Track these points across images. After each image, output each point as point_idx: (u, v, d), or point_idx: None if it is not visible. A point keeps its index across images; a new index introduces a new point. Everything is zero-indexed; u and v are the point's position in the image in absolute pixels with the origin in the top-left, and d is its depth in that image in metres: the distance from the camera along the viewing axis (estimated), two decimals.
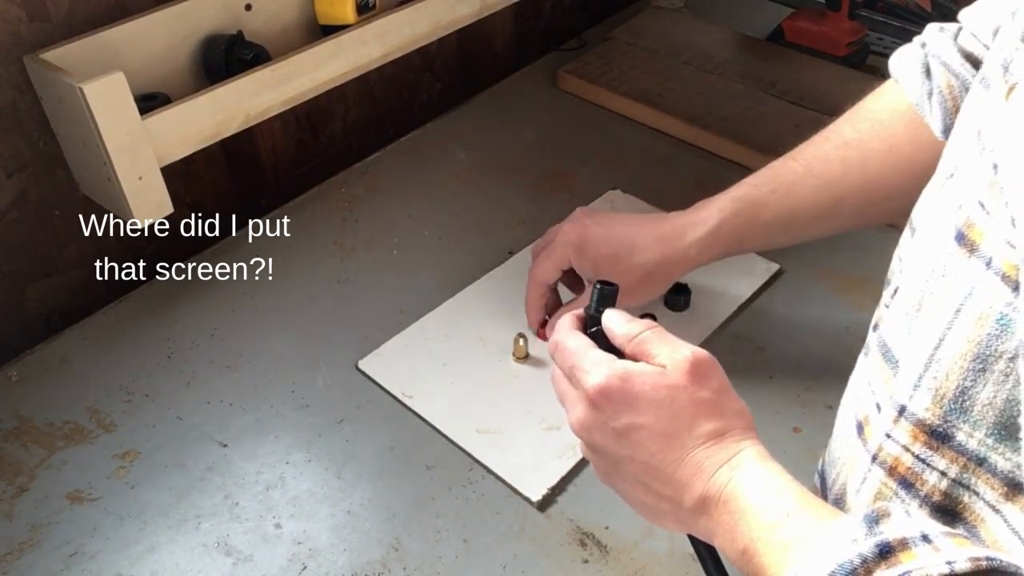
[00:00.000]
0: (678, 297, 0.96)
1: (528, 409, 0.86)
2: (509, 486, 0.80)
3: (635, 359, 0.53)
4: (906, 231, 0.49)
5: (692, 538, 0.53)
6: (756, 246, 0.84)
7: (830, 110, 1.28)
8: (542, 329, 0.90)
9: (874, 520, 0.39)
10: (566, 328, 0.56)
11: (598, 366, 0.51)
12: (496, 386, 0.89)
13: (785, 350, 0.93)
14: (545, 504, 0.79)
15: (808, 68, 1.35)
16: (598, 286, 0.57)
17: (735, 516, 0.47)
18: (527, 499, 0.79)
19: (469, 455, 0.83)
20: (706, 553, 0.53)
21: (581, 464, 0.82)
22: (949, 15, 1.41)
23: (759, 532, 0.45)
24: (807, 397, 0.88)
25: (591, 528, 0.77)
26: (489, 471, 0.81)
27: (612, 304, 0.57)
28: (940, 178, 0.46)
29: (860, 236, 1.07)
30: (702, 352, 0.53)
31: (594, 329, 0.56)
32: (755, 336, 0.95)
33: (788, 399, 0.88)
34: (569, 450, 0.82)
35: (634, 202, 1.13)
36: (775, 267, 1.02)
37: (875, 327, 0.50)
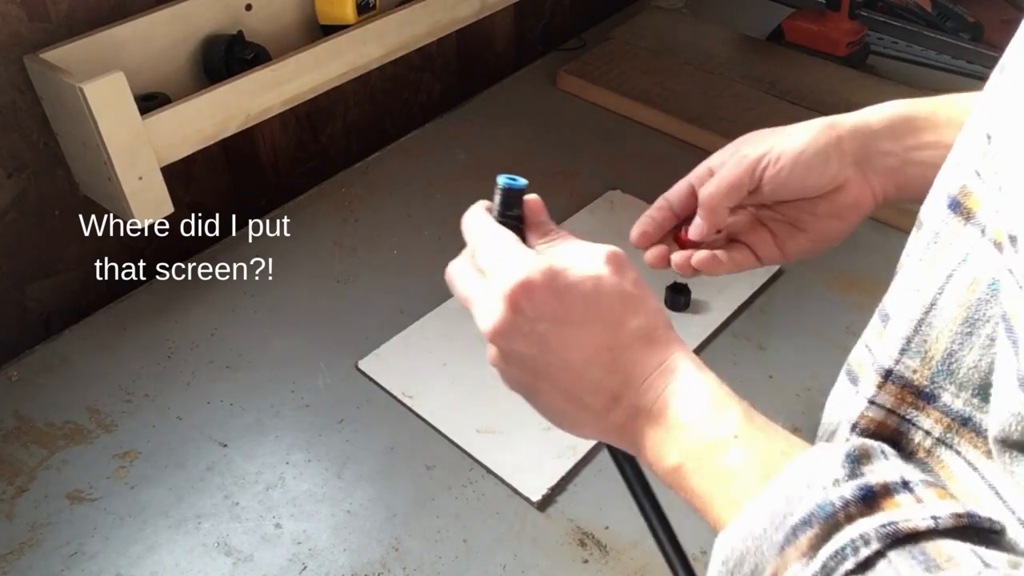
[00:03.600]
0: (678, 297, 0.96)
1: (528, 409, 0.86)
2: (509, 486, 0.80)
3: None
4: (914, 229, 0.50)
5: (611, 449, 0.50)
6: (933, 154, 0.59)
7: (830, 110, 1.29)
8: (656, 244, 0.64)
9: (855, 460, 0.37)
10: (485, 218, 0.51)
11: (523, 257, 0.46)
12: (496, 386, 0.88)
13: (785, 350, 0.93)
14: (545, 504, 0.79)
15: (808, 68, 1.35)
16: (503, 183, 0.51)
17: (670, 430, 0.43)
18: (527, 499, 0.79)
19: (469, 455, 0.83)
20: (627, 464, 0.49)
21: (581, 464, 0.82)
22: (949, 15, 1.41)
23: (698, 451, 0.42)
24: (807, 397, 0.88)
25: (591, 528, 0.77)
26: (489, 471, 0.81)
27: (520, 207, 0.51)
28: (950, 167, 0.46)
29: (860, 236, 1.07)
30: (614, 247, 0.48)
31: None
32: (755, 336, 0.95)
33: (788, 399, 0.88)
34: (569, 450, 0.82)
35: (634, 202, 1.12)
36: (775, 267, 1.02)
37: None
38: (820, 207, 0.60)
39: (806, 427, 0.85)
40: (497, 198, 0.51)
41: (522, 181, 0.51)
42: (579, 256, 0.47)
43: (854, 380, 0.50)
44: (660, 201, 0.64)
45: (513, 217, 0.51)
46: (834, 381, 0.54)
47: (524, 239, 0.50)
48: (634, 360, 0.45)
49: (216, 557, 0.75)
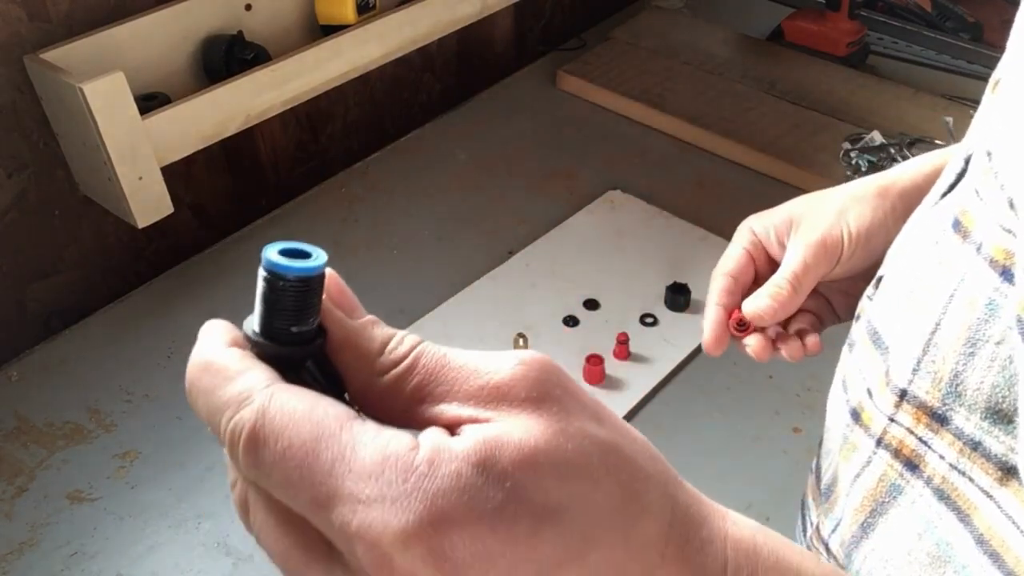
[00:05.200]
0: (678, 297, 0.95)
1: None
2: None
3: (410, 403, 0.26)
4: (898, 236, 0.50)
5: None
6: None
7: (830, 110, 1.30)
8: (737, 331, 0.58)
9: None
10: (250, 371, 0.24)
11: (395, 468, 0.22)
12: None
13: None
14: None
15: (808, 68, 1.35)
16: (280, 269, 0.24)
17: None
18: None
19: None
20: None
21: None
22: (949, 15, 1.41)
23: None
24: (807, 397, 0.88)
25: None
26: None
27: (315, 309, 0.25)
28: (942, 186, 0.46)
29: None
30: (527, 354, 0.26)
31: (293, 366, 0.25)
32: None
33: (788, 399, 0.88)
34: None
35: (634, 202, 1.12)
36: None
37: (858, 318, 0.50)
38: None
39: (806, 427, 0.86)
40: (262, 304, 0.24)
41: (317, 259, 0.25)
42: (488, 412, 0.24)
43: (844, 388, 0.51)
44: (728, 282, 0.58)
45: (303, 338, 0.25)
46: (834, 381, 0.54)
47: (333, 382, 0.25)
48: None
49: (216, 557, 0.75)
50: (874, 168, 1.12)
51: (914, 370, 0.41)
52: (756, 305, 0.56)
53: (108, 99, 0.83)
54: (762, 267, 0.59)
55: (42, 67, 0.86)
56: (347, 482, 0.21)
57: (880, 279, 0.48)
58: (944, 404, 0.39)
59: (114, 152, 0.86)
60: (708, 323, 0.57)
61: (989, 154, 0.37)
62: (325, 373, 0.24)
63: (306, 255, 0.24)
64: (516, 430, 0.22)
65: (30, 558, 0.75)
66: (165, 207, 0.93)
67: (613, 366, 0.90)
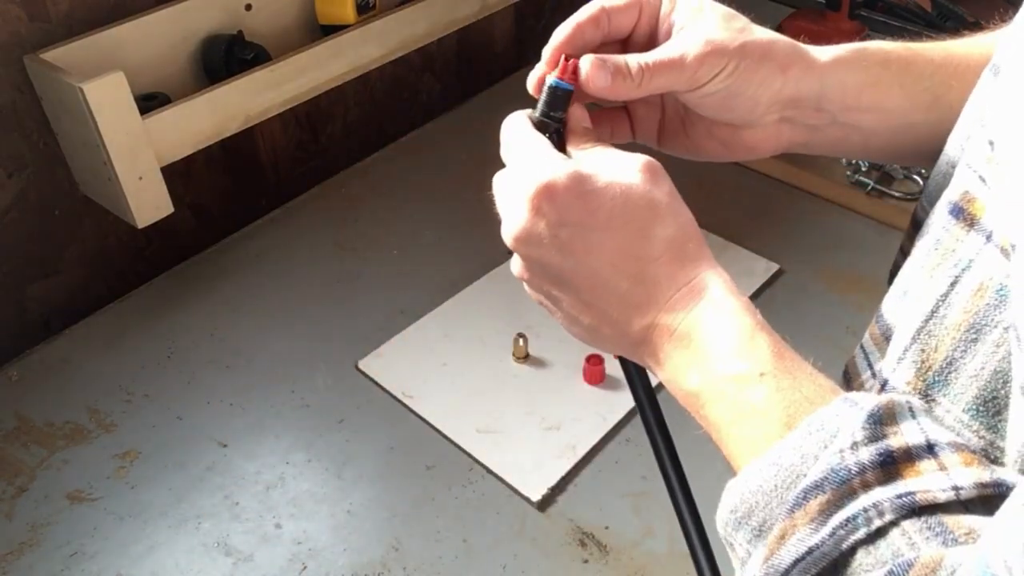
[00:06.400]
0: None
1: (528, 409, 0.86)
2: (509, 486, 0.80)
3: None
4: (919, 235, 0.50)
5: (624, 361, 0.48)
6: (887, 98, 0.50)
7: None
8: (564, 61, 0.48)
9: (878, 420, 0.35)
10: (521, 122, 0.48)
11: (549, 161, 0.44)
12: (496, 386, 0.89)
13: None
14: (545, 504, 0.79)
15: None
16: (550, 82, 0.48)
17: (693, 355, 0.42)
18: (527, 499, 0.79)
19: (469, 455, 0.83)
20: (638, 379, 0.49)
21: (581, 464, 0.82)
22: (949, 15, 1.41)
23: (720, 383, 0.41)
24: None
25: (591, 528, 0.77)
26: (489, 471, 0.81)
27: (564, 109, 0.48)
28: (942, 169, 0.46)
29: (860, 236, 1.07)
30: (651, 158, 0.45)
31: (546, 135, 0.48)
32: None
33: None
34: (569, 450, 0.82)
35: None
36: (775, 267, 1.02)
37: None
38: (718, 132, 0.53)
39: None
40: (542, 97, 0.48)
41: (567, 86, 0.48)
42: (611, 163, 0.44)
43: (848, 382, 0.50)
44: (599, 12, 0.48)
45: (555, 119, 0.48)
46: (834, 381, 0.54)
47: (563, 145, 0.48)
48: (660, 274, 0.43)
49: (216, 557, 0.75)
50: (874, 168, 1.12)
51: (899, 359, 0.40)
52: (596, 76, 0.46)
53: (108, 99, 0.83)
54: (643, 25, 0.49)
55: (42, 67, 0.86)
56: (532, 160, 0.45)
57: (894, 272, 0.47)
58: (926, 396, 0.39)
59: (114, 152, 0.86)
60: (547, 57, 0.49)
61: (991, 143, 0.37)
62: (558, 140, 0.48)
63: (565, 83, 0.48)
64: (612, 174, 0.44)
65: (30, 558, 0.75)
66: (165, 207, 0.93)
67: (613, 366, 0.90)
